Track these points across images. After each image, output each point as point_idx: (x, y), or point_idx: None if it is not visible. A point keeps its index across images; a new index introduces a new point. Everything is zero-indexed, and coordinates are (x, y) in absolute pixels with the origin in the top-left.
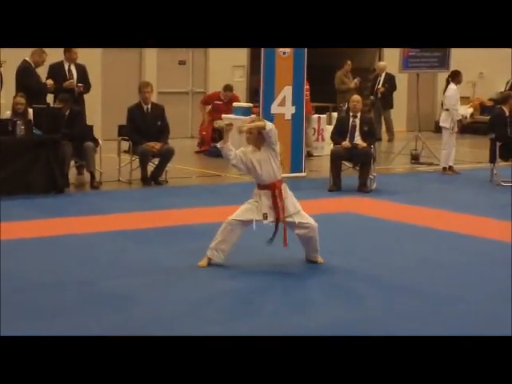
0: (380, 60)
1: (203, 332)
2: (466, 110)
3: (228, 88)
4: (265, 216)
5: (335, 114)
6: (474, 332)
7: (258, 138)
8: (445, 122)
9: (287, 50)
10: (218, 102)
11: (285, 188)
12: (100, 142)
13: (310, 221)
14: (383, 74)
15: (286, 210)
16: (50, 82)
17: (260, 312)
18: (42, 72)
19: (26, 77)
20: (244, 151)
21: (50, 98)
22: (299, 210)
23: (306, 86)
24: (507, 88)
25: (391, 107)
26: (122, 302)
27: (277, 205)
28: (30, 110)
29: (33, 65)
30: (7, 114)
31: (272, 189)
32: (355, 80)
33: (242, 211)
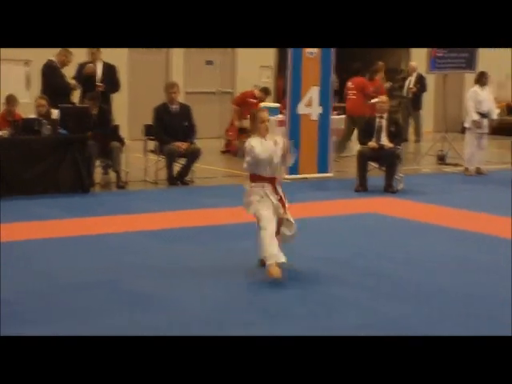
0: (408, 60)
1: (224, 332)
2: (494, 111)
3: (266, 91)
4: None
5: None
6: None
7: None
8: (467, 122)
9: (314, 50)
10: (251, 100)
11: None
12: (126, 141)
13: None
14: (414, 74)
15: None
16: (73, 82)
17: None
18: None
19: (50, 76)
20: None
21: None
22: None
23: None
24: None
25: (421, 108)
26: (148, 301)
27: (281, 198)
28: (55, 110)
29: (58, 64)
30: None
31: (272, 183)
32: (386, 85)
33: (268, 221)
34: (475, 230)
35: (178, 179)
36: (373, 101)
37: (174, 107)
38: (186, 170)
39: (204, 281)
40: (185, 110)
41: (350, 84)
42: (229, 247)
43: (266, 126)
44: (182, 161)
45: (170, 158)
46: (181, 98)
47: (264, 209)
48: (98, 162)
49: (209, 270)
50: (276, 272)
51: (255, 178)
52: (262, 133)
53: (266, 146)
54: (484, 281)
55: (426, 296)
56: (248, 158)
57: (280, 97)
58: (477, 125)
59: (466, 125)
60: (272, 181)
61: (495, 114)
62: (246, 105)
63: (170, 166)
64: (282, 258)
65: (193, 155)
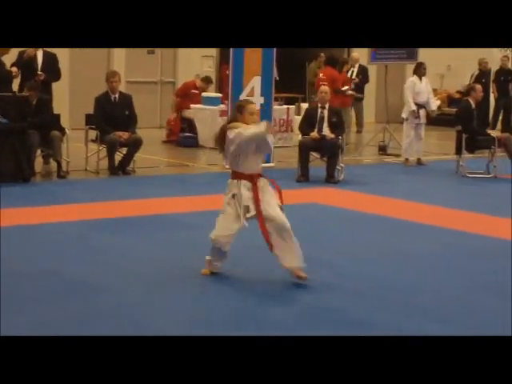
0: (350, 52)
1: (155, 320)
2: (434, 102)
3: (208, 80)
4: (247, 209)
5: (304, 105)
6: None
7: None
8: (404, 112)
9: None
10: (194, 91)
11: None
12: (67, 131)
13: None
14: (356, 66)
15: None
16: (14, 69)
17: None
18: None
19: None
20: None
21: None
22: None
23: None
24: (472, 80)
25: (362, 99)
26: (87, 291)
27: (257, 197)
28: None
29: None
30: None
31: (252, 180)
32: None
33: (224, 224)
34: (413, 220)
35: (119, 169)
36: (349, 92)
37: (115, 96)
38: (127, 159)
39: (144, 270)
40: (126, 100)
41: (321, 75)
42: (170, 237)
43: (254, 119)
44: (124, 150)
45: (112, 148)
46: (122, 88)
47: (225, 219)
48: (38, 152)
49: (149, 259)
50: (205, 272)
51: (235, 174)
52: (250, 126)
53: None
54: (420, 270)
55: (365, 286)
56: (233, 148)
57: (223, 86)
58: (414, 115)
59: (404, 115)
60: (251, 178)
61: (433, 104)
62: (188, 96)
63: (111, 156)
64: (216, 269)
65: (134, 145)
